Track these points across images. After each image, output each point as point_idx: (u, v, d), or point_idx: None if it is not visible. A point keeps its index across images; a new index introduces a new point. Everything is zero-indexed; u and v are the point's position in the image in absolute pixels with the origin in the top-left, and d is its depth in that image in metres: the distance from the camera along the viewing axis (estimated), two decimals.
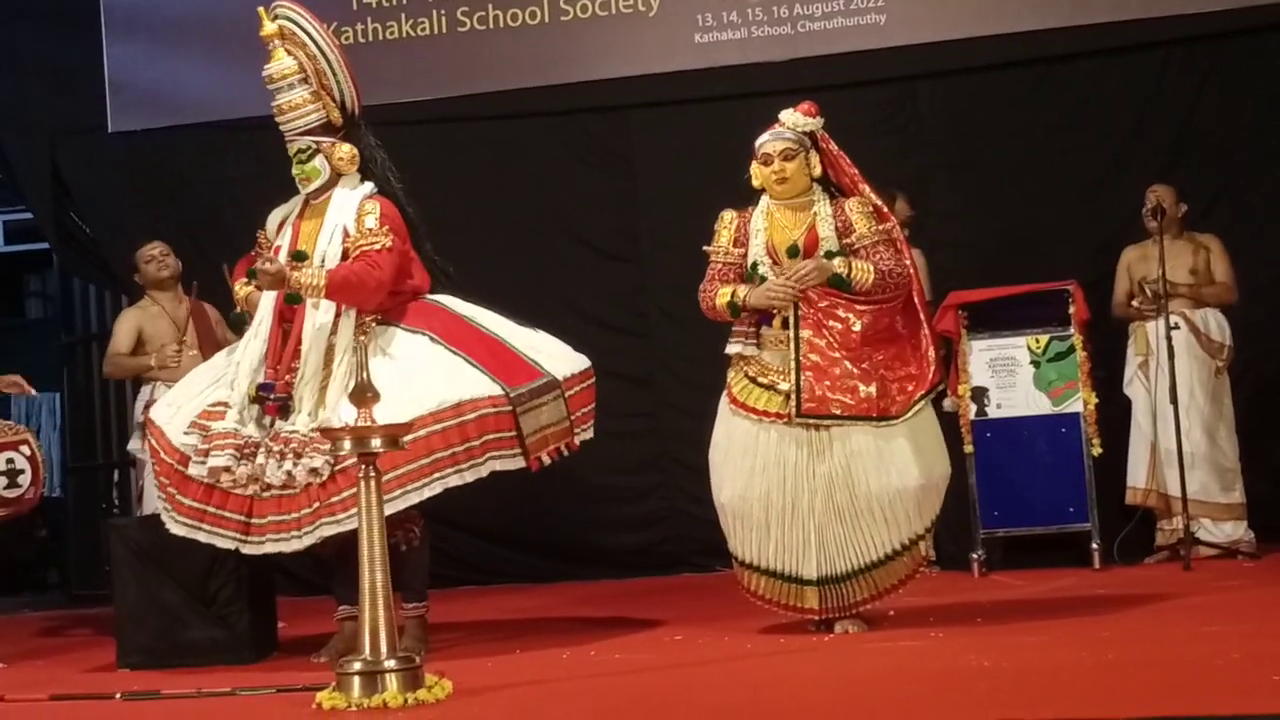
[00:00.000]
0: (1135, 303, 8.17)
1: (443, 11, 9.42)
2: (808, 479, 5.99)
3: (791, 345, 6.01)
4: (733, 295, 6.11)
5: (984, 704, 4.57)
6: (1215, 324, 8.17)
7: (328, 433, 5.39)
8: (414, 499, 5.99)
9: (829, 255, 6.06)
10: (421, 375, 6.12)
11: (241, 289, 6.54)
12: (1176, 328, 7.93)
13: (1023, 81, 9.13)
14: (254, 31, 9.45)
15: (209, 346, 8.15)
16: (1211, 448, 8.08)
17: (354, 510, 5.31)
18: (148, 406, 7.98)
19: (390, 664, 4.96)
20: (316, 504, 6.01)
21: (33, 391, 7.46)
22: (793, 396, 5.97)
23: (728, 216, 6.28)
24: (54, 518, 12.07)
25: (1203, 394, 8.09)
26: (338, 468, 5.96)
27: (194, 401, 6.40)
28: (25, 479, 7.03)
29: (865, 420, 5.96)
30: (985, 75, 9.12)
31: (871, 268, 6.02)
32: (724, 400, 6.20)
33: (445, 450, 6.01)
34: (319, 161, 6.35)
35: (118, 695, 5.58)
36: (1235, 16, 8.74)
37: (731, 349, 6.20)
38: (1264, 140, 8.78)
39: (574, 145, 9.54)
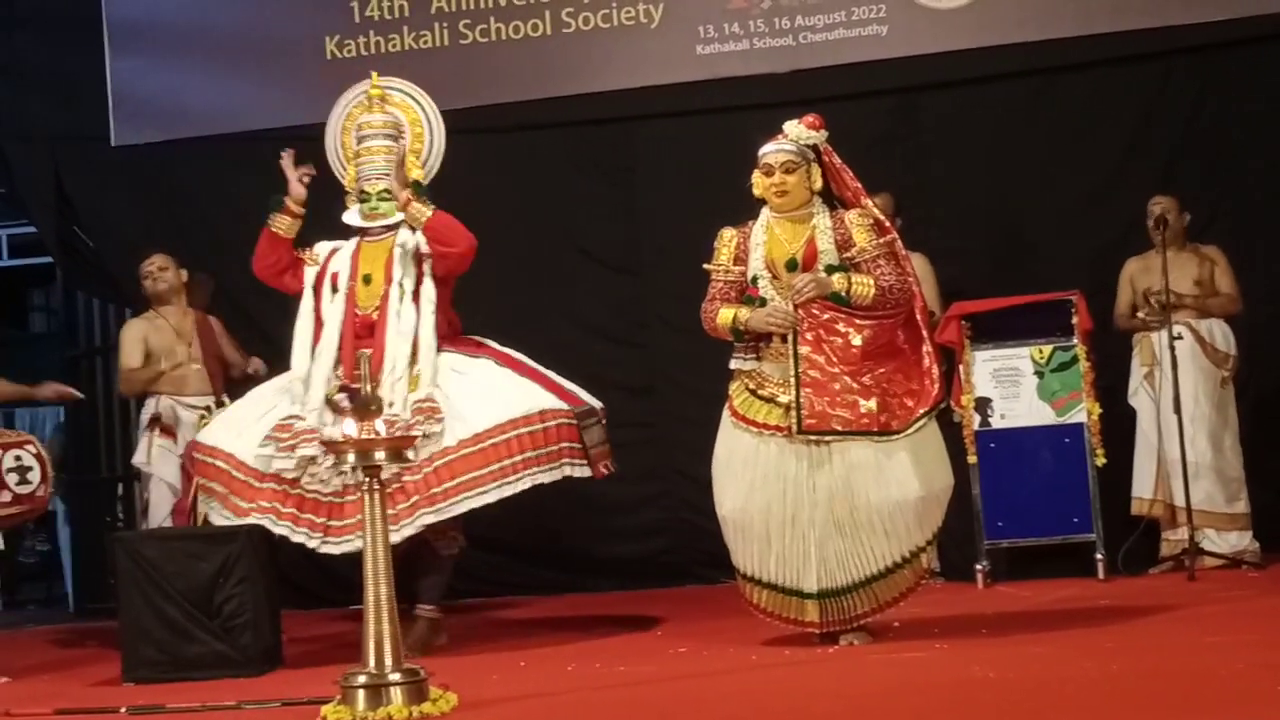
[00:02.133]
0: (1141, 314, 8.17)
1: (445, 24, 9.43)
2: (808, 492, 5.98)
3: (791, 361, 6.00)
4: (734, 319, 6.11)
5: (989, 715, 4.58)
6: (1220, 334, 8.17)
7: (332, 445, 5.42)
8: (508, 491, 6.61)
9: (829, 269, 6.04)
10: (499, 387, 6.80)
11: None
12: (1180, 338, 7.93)
13: (1024, 92, 9.14)
14: (256, 45, 9.54)
15: (212, 359, 8.16)
16: (1216, 457, 8.07)
17: (455, 499, 6.51)
18: (153, 420, 8.04)
19: (395, 677, 4.96)
20: (416, 497, 6.53)
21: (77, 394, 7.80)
22: (793, 412, 5.97)
23: (727, 234, 6.28)
24: (58, 531, 12.09)
25: (1208, 404, 8.09)
26: (441, 461, 6.56)
27: (259, 424, 6.79)
28: (35, 475, 7.07)
29: (865, 435, 5.95)
30: (987, 86, 9.12)
31: (872, 282, 6.01)
32: (725, 413, 6.20)
33: (533, 451, 6.66)
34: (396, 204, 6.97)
35: (123, 709, 5.58)
36: (1236, 26, 8.74)
37: (734, 364, 6.20)
38: (1265, 150, 8.77)
39: (576, 157, 9.55)
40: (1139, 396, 8.20)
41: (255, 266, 7.11)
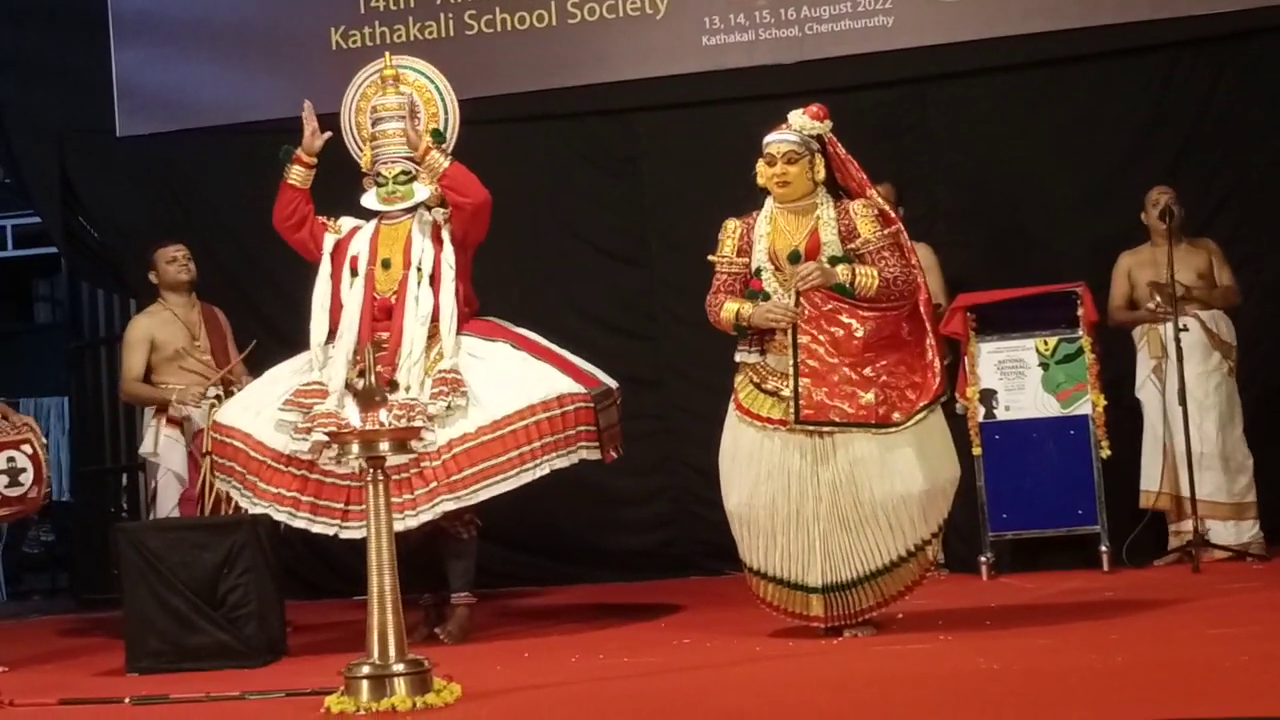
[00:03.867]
0: (1151, 305, 8.13)
1: (450, 15, 9.43)
2: (812, 486, 5.97)
3: (790, 351, 6.00)
4: (737, 315, 6.09)
5: (993, 707, 4.57)
6: (1225, 325, 8.16)
7: (336, 436, 5.42)
8: (527, 478, 6.68)
9: (832, 261, 6.02)
10: (517, 372, 6.85)
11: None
12: (1185, 329, 7.92)
13: (1030, 84, 9.13)
14: (261, 36, 9.54)
15: (221, 353, 8.14)
16: (1225, 448, 8.06)
17: (475, 486, 6.55)
18: (159, 412, 8.00)
19: (399, 668, 4.96)
20: (435, 483, 6.56)
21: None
22: (789, 399, 5.96)
23: (731, 225, 6.26)
24: (63, 522, 12.10)
25: (1217, 394, 8.08)
26: (461, 448, 6.59)
27: (277, 404, 6.83)
28: (27, 478, 7.04)
29: (864, 428, 5.94)
30: (993, 77, 9.11)
31: (876, 273, 5.98)
32: (731, 406, 6.20)
33: (551, 436, 6.73)
34: (416, 186, 7.02)
35: (127, 699, 5.58)
36: (1244, 18, 8.73)
37: (739, 356, 6.20)
38: (1273, 141, 8.76)
39: (581, 148, 9.54)
40: (1146, 389, 8.19)
41: (274, 220, 7.13)
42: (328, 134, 7.07)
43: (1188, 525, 7.91)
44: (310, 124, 7.05)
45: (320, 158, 7.07)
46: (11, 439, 7.09)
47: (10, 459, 7.02)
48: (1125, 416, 8.17)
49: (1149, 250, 8.20)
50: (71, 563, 11.44)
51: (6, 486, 7.02)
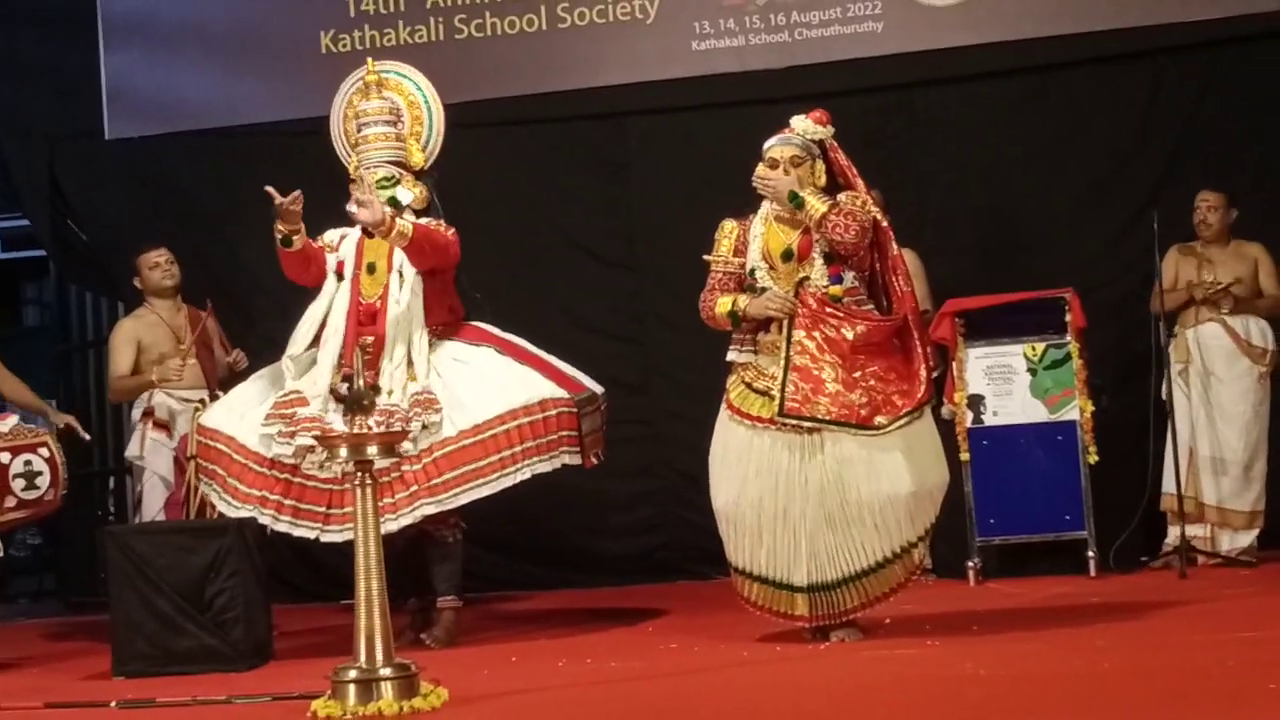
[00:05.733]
0: (1195, 294, 8.10)
1: (440, 19, 9.41)
2: (800, 485, 5.98)
3: (783, 345, 6.00)
4: (733, 305, 6.12)
5: (980, 712, 4.58)
6: (1256, 330, 8.14)
7: (324, 440, 5.42)
8: (507, 482, 6.69)
9: (792, 195, 6.01)
10: (500, 376, 6.86)
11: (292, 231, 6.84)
12: (1175, 335, 7.99)
13: (1020, 90, 9.13)
14: (251, 39, 9.53)
15: (207, 357, 8.13)
16: (1246, 455, 8.06)
17: (455, 490, 6.57)
18: (146, 414, 8.01)
19: (386, 672, 4.96)
20: (415, 486, 6.58)
21: (86, 436, 7.74)
22: (777, 395, 5.97)
23: (728, 226, 6.28)
24: (50, 525, 12.06)
25: (1244, 402, 8.08)
26: (441, 452, 6.61)
27: (261, 407, 6.83)
28: (44, 480, 7.04)
29: (847, 427, 5.94)
30: (982, 83, 9.10)
31: (831, 200, 6.00)
32: (722, 406, 6.21)
33: (532, 440, 6.73)
34: (399, 190, 6.98)
35: (113, 703, 5.58)
36: (1233, 24, 8.73)
37: (731, 356, 6.21)
38: (1263, 148, 8.77)
39: (571, 152, 9.53)
40: (1173, 392, 8.15)
41: (290, 279, 7.05)
42: (296, 193, 6.74)
43: (1197, 530, 7.93)
44: (280, 200, 6.72)
45: (308, 167, 7.06)
46: (29, 441, 7.08)
47: (27, 462, 7.01)
48: (1112, 421, 8.16)
49: (1194, 248, 8.23)
50: (58, 566, 11.41)
51: (23, 489, 7.00)
